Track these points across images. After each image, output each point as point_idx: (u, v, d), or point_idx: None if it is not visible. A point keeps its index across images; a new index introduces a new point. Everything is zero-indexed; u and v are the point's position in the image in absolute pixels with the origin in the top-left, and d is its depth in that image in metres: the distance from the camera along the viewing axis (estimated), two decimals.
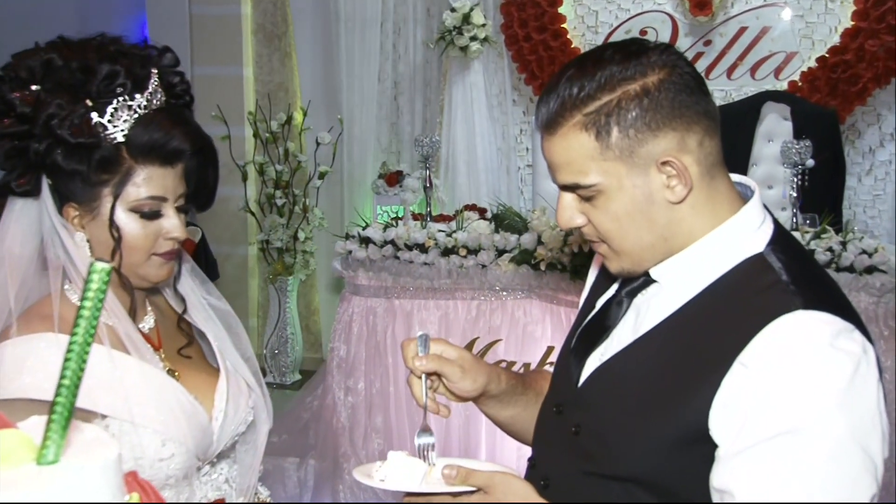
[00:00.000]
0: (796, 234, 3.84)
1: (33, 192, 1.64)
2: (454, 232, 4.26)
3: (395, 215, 5.18)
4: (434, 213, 4.63)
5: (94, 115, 1.57)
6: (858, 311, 1.38)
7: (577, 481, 1.47)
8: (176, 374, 1.74)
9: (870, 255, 3.77)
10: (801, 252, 1.46)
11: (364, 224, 4.39)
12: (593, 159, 1.36)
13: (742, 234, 1.40)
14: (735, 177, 1.49)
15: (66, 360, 0.79)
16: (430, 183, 4.60)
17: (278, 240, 6.01)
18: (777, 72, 5.67)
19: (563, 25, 5.89)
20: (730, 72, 5.74)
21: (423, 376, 1.61)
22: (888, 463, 1.29)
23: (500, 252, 4.19)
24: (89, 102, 1.57)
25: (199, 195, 1.76)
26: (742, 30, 5.70)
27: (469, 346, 4.21)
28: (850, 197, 5.59)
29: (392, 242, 4.27)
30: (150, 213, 1.64)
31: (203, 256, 5.34)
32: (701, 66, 5.75)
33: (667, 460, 1.34)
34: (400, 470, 1.50)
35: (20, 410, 1.43)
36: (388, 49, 6.12)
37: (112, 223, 1.63)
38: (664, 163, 1.35)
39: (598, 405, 1.46)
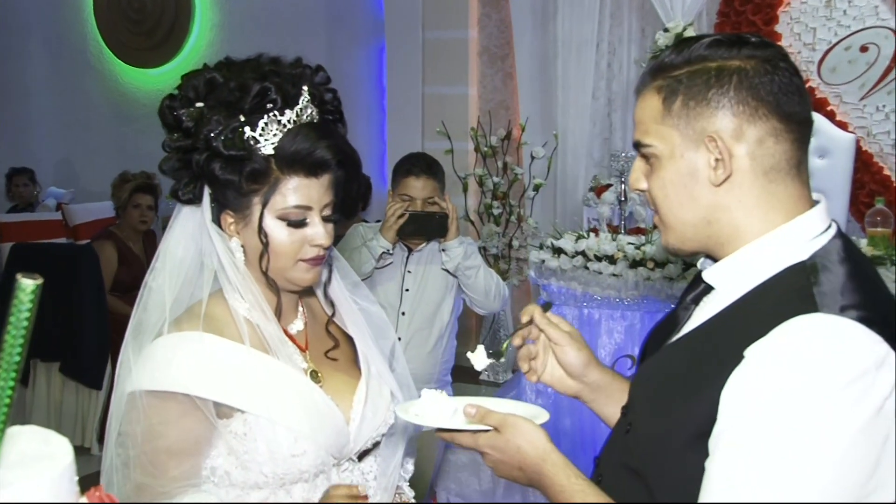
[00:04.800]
0: None
1: (196, 200, 1.68)
2: (643, 245, 4.14)
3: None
4: (630, 226, 4.52)
5: (247, 130, 1.59)
6: None
7: (618, 473, 1.44)
8: (319, 375, 1.73)
9: None
10: (855, 264, 1.32)
11: (558, 235, 4.36)
12: (655, 121, 1.38)
13: (792, 242, 1.33)
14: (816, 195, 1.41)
15: None
16: (626, 196, 4.50)
17: (494, 247, 6.06)
18: None
19: (779, 43, 5.59)
20: None
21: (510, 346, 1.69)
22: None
23: (688, 266, 4.03)
24: (242, 118, 1.59)
25: (344, 203, 1.76)
26: None
27: None
28: None
29: (583, 253, 4.21)
30: (296, 222, 1.65)
31: None
32: None
33: (683, 458, 1.27)
34: (432, 407, 1.58)
35: (169, 401, 1.58)
36: (602, 68, 6.03)
37: (261, 229, 1.64)
38: (710, 139, 1.33)
39: (638, 401, 1.45)
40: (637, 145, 1.43)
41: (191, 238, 1.71)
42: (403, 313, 3.52)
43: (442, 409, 1.57)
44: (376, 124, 6.94)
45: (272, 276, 1.68)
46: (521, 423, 1.45)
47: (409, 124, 6.52)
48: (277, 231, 1.65)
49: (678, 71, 1.37)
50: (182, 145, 1.63)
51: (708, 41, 1.37)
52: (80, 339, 5.03)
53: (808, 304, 1.22)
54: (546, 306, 1.68)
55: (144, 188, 5.45)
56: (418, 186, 3.44)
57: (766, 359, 1.19)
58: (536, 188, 6.01)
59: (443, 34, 6.50)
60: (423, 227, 3.43)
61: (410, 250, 3.57)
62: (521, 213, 6.12)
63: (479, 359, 1.70)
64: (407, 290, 3.53)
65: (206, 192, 1.68)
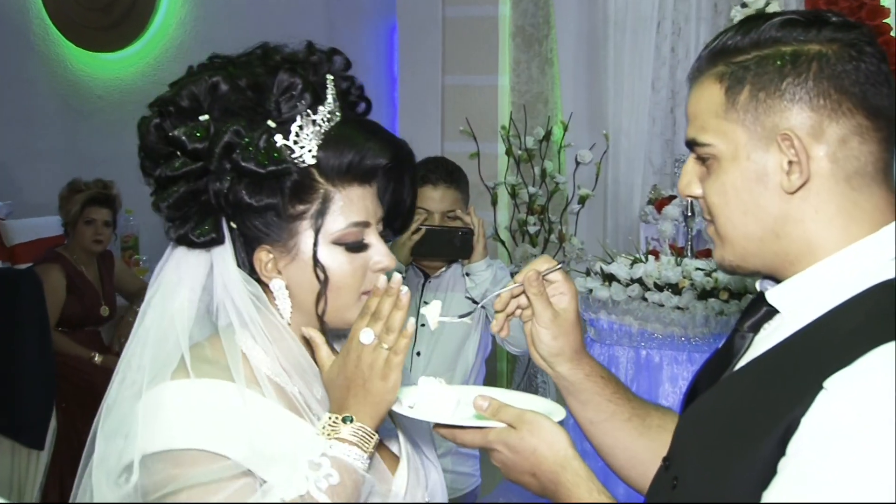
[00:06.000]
0: None
1: (219, 241, 1.63)
2: (715, 271, 4.14)
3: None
4: (697, 248, 4.52)
5: (279, 138, 1.57)
6: None
7: None
8: None
9: None
10: None
11: (609, 258, 4.38)
12: (716, 116, 1.42)
13: (876, 258, 1.36)
14: None
15: None
16: (692, 211, 4.49)
17: None
18: None
19: (885, 21, 5.59)
20: None
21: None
22: None
23: None
24: (271, 123, 1.57)
25: (394, 215, 1.76)
26: None
27: None
28: None
29: (640, 281, 4.21)
30: (355, 244, 1.64)
31: None
32: None
33: None
34: (431, 398, 1.61)
35: (190, 463, 1.49)
36: (664, 52, 6.06)
37: (317, 262, 1.62)
38: (784, 137, 1.36)
39: (687, 449, 1.47)
40: (691, 144, 1.47)
41: (196, 286, 1.66)
42: (419, 354, 3.54)
43: (443, 401, 1.61)
44: (386, 121, 6.99)
45: (328, 322, 1.66)
46: (540, 422, 1.51)
47: (426, 122, 6.57)
48: (336, 260, 1.64)
49: (744, 56, 1.40)
50: (189, 171, 1.59)
51: (780, 20, 1.39)
52: (19, 386, 4.96)
53: None
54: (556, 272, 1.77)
55: (99, 200, 5.45)
56: (436, 197, 3.47)
57: (852, 390, 1.20)
58: (582, 200, 6.06)
59: (467, 11, 6.55)
60: (443, 246, 3.43)
61: (427, 276, 3.59)
62: (564, 230, 6.16)
63: (431, 314, 1.75)
64: (423, 324, 3.53)
65: (226, 228, 1.64)
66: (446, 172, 3.52)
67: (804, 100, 1.35)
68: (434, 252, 3.47)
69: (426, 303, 3.55)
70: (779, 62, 1.36)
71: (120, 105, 6.92)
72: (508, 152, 6.28)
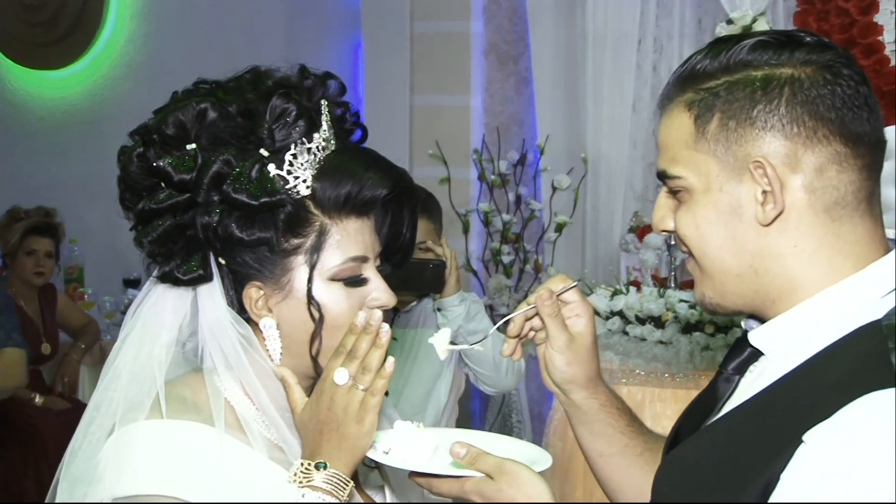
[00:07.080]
0: None
1: (208, 277, 1.63)
2: None
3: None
4: (681, 279, 4.57)
5: (272, 167, 1.57)
6: None
7: None
8: None
9: None
10: None
11: (588, 289, 4.42)
12: (687, 146, 1.44)
13: (863, 297, 1.38)
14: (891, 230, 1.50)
15: None
16: (675, 240, 4.53)
17: (504, 305, 6.10)
18: None
19: (879, 38, 5.67)
20: None
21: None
22: None
23: None
24: (264, 152, 1.58)
25: (393, 249, 1.77)
26: None
27: None
28: None
29: (620, 314, 4.25)
30: (353, 279, 1.65)
31: None
32: None
33: None
34: (406, 443, 1.61)
35: None
36: (646, 71, 6.13)
37: (311, 300, 1.62)
38: (756, 165, 1.37)
39: (668, 498, 1.47)
40: (662, 176, 1.49)
41: (172, 329, 1.67)
42: (387, 394, 3.54)
43: (419, 447, 1.61)
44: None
45: (323, 364, 1.64)
46: (520, 472, 1.50)
47: (393, 145, 6.54)
48: (333, 297, 1.64)
49: (713, 81, 1.42)
50: (175, 204, 1.59)
51: (751, 43, 1.41)
52: None
53: (884, 377, 1.23)
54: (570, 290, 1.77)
55: (41, 229, 5.43)
56: None
57: (830, 444, 1.20)
58: (559, 228, 6.10)
59: (437, 27, 6.60)
60: (413, 280, 3.44)
61: (396, 311, 3.60)
62: (539, 260, 6.20)
63: (440, 342, 1.75)
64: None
65: (214, 264, 1.64)
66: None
67: (777, 127, 1.37)
68: (403, 286, 3.45)
69: (394, 339, 3.55)
70: (749, 88, 1.38)
71: (64, 127, 6.88)
72: (481, 177, 6.34)
